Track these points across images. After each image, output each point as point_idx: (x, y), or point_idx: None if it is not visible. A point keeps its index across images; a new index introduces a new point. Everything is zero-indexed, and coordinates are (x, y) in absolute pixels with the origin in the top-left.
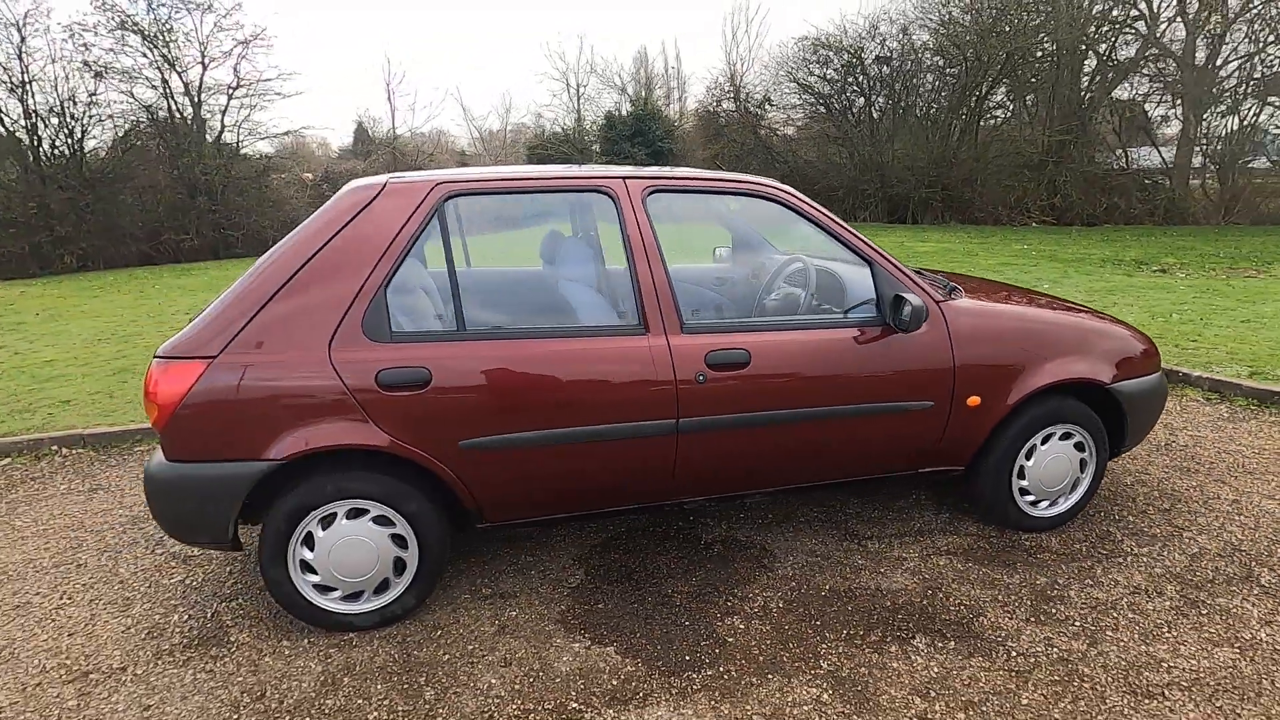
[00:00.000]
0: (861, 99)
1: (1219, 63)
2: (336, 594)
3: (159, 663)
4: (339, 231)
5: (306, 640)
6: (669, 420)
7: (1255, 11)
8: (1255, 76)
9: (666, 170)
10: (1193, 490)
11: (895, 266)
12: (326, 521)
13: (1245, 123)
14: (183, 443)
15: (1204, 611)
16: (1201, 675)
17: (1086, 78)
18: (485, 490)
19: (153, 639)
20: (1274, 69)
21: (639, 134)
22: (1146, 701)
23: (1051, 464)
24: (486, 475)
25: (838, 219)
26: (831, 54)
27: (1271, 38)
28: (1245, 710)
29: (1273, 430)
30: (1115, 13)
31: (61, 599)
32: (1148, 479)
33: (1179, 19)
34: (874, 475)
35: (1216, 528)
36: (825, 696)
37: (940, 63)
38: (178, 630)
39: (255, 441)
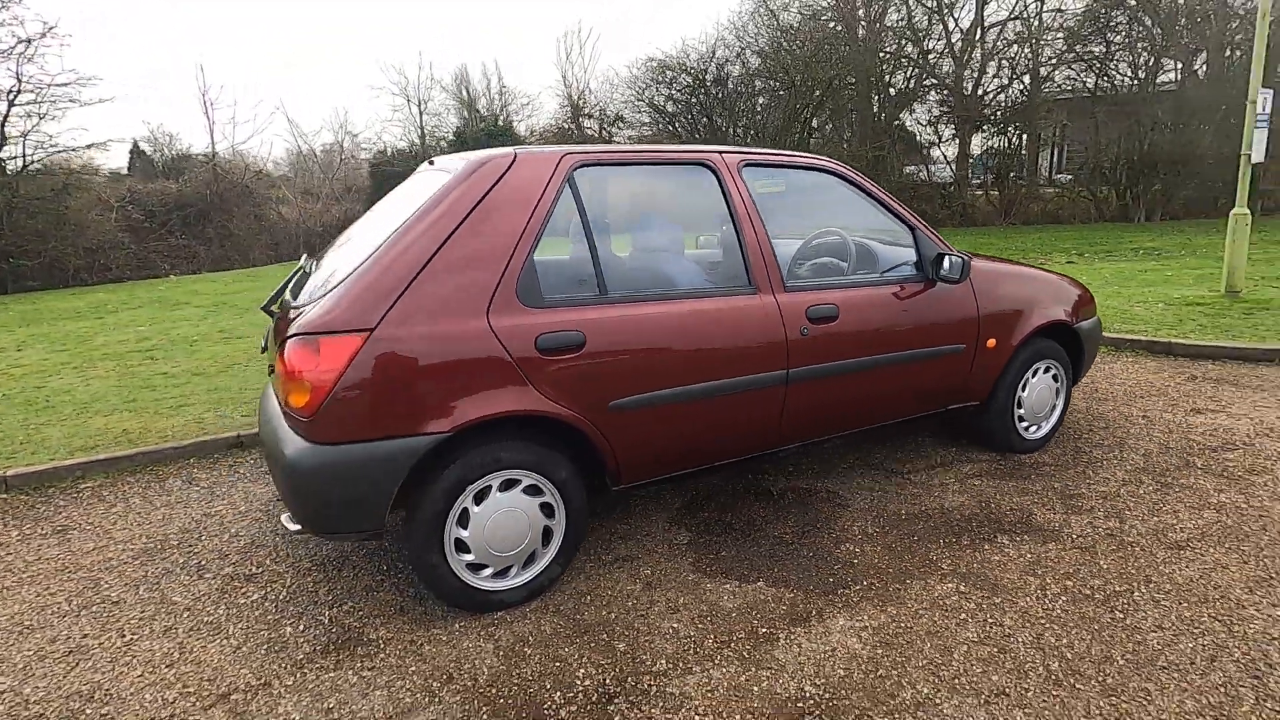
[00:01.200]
0: (705, 118)
1: (981, 92)
2: (488, 571)
3: (307, 670)
4: (480, 202)
5: (457, 624)
6: (780, 371)
7: (1008, 48)
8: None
9: (749, 148)
10: (1114, 413)
11: (932, 232)
12: (480, 496)
13: (1011, 143)
14: (339, 423)
15: (1177, 490)
16: (1204, 530)
17: (889, 102)
18: (626, 451)
19: (278, 652)
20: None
21: None
22: (1181, 551)
23: (1039, 394)
24: (630, 435)
25: (883, 190)
26: (676, 74)
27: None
28: (1244, 546)
29: (1135, 366)
30: (896, 49)
31: (124, 637)
32: (1077, 409)
33: (949, 55)
34: (920, 413)
35: (1147, 435)
36: (962, 588)
37: (774, 85)
38: (302, 640)
39: (419, 415)
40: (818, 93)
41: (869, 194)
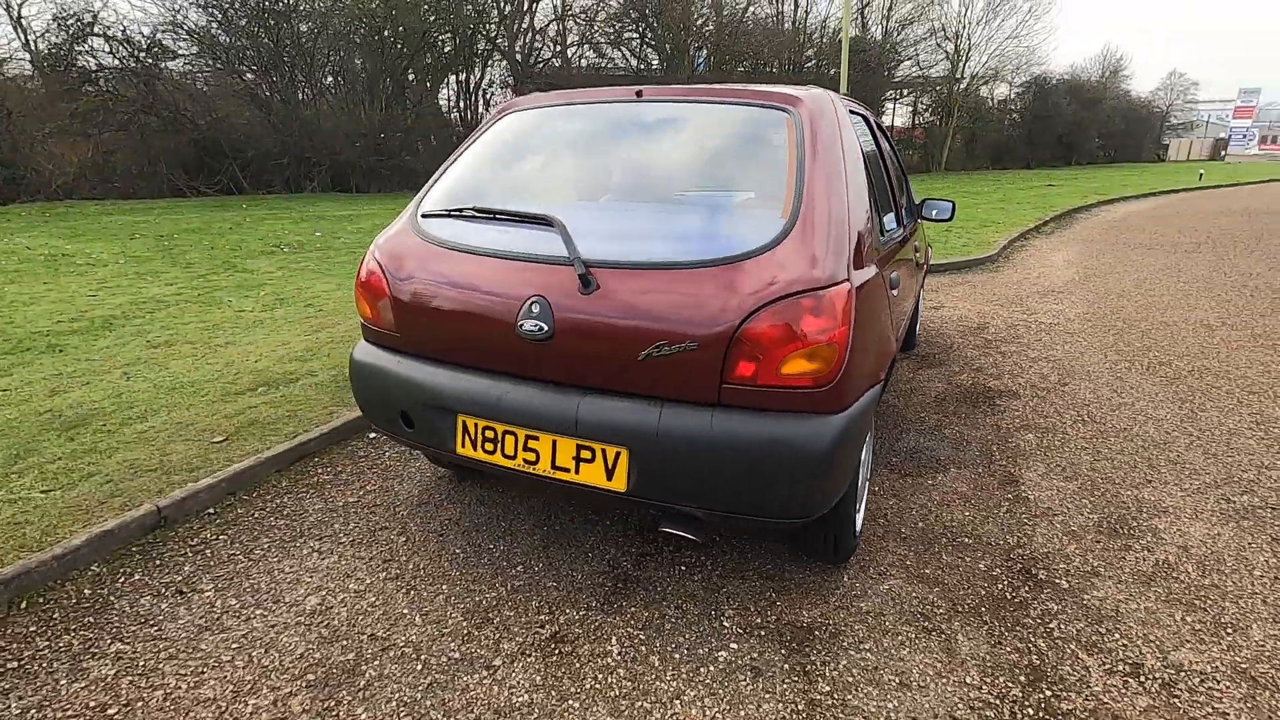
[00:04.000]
0: (288, 60)
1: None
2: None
3: None
4: (844, 142)
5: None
6: None
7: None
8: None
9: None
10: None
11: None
12: None
13: None
14: (852, 385)
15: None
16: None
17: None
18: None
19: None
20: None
21: None
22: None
23: None
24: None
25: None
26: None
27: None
28: (1211, 403)
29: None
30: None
31: None
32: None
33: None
34: None
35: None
36: None
37: (364, 31)
38: None
39: (882, 360)
40: (415, 41)
41: (890, 142)
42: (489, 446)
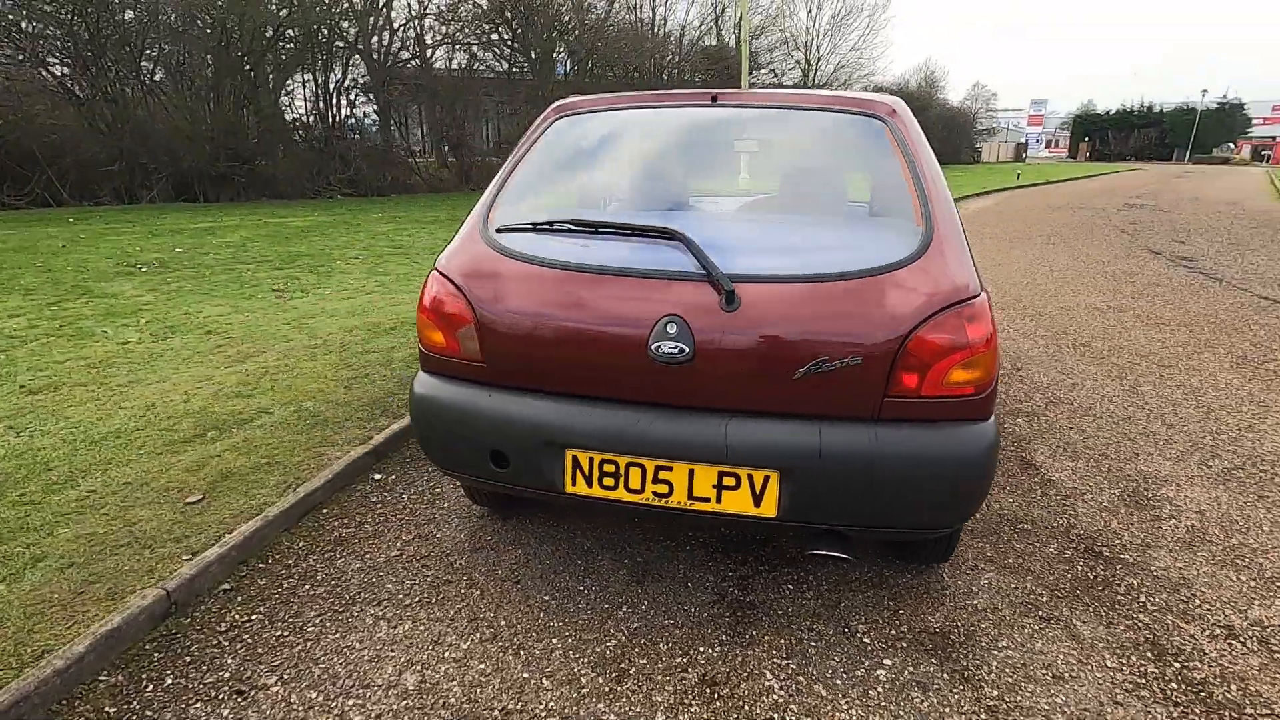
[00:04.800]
0: (112, 53)
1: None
2: None
3: None
4: (929, 151)
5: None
6: None
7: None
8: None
9: None
10: None
11: None
12: None
13: (456, 114)
14: (995, 392)
15: None
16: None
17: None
18: None
19: None
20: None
21: None
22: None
23: None
24: None
25: None
26: None
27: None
28: (1142, 379)
29: None
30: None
31: None
32: None
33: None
34: None
35: None
36: None
37: (201, 24)
38: None
39: None
40: (264, 40)
41: None
42: (608, 482)
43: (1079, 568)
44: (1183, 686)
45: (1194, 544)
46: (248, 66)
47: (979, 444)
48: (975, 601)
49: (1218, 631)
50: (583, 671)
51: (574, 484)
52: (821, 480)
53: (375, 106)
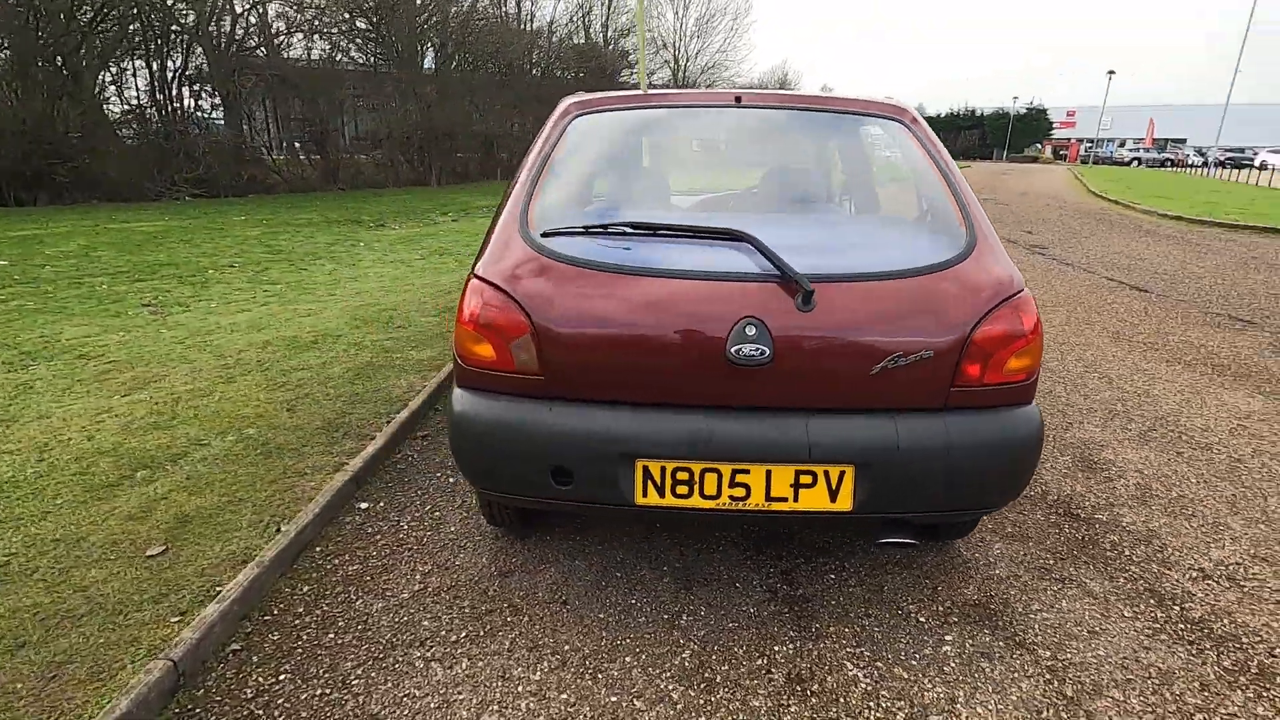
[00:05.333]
0: None
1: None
2: None
3: None
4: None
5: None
6: None
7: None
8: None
9: None
10: None
11: None
12: None
13: (321, 108)
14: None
15: None
16: None
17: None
18: None
19: None
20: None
21: None
22: None
23: None
24: None
25: None
26: None
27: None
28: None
29: None
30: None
31: None
32: None
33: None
34: None
35: None
36: None
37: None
38: None
39: None
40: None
41: None
42: (682, 490)
43: (1066, 530)
44: (1189, 627)
45: (1146, 499)
46: (68, 53)
47: (1030, 425)
48: (997, 571)
49: (1194, 574)
50: (670, 687)
51: (645, 495)
52: (898, 471)
53: (218, 99)
